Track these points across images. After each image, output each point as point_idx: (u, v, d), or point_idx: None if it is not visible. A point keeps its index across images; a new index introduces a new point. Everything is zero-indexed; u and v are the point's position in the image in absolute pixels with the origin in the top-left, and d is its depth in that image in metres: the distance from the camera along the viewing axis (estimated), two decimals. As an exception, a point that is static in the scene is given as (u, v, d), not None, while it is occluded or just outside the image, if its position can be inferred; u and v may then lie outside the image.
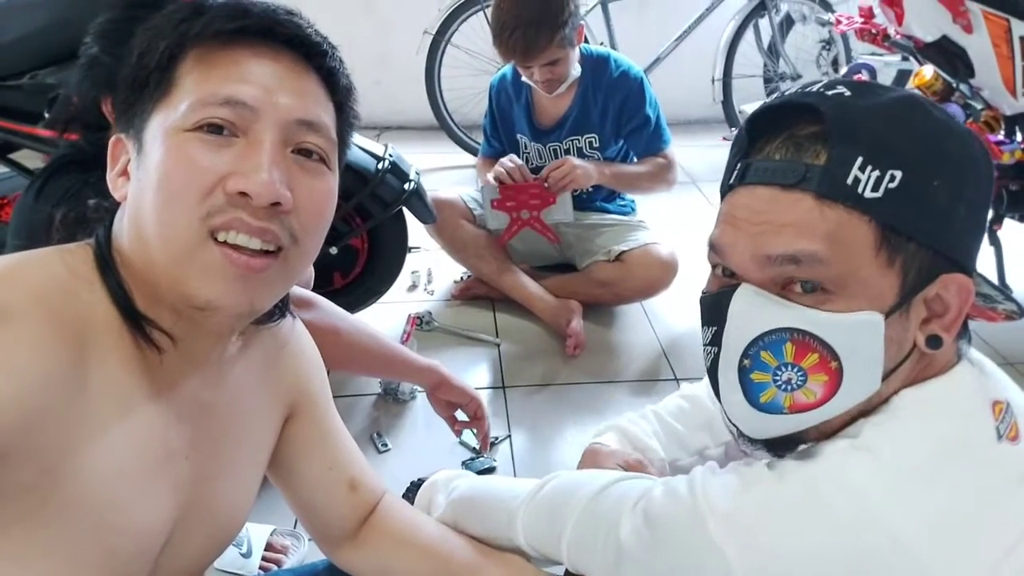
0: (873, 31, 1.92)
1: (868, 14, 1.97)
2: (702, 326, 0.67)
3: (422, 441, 1.68)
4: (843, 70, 2.80)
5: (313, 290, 1.73)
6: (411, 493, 0.98)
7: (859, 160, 0.57)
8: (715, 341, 0.65)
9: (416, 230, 2.03)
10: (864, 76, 2.56)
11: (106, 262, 0.61)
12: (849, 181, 0.57)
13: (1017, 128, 1.91)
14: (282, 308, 0.75)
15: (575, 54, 1.94)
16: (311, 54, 0.63)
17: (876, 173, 0.57)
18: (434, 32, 3.02)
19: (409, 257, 2.12)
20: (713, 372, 0.66)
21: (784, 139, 0.62)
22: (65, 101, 1.12)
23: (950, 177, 0.59)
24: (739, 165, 0.64)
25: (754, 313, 0.61)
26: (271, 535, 1.35)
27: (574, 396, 1.83)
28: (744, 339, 0.62)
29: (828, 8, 3.12)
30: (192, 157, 0.58)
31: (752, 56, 3.34)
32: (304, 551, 1.36)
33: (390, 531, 0.87)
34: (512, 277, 2.11)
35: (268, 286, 0.62)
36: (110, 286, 0.60)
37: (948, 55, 1.79)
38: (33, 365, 0.53)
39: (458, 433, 1.48)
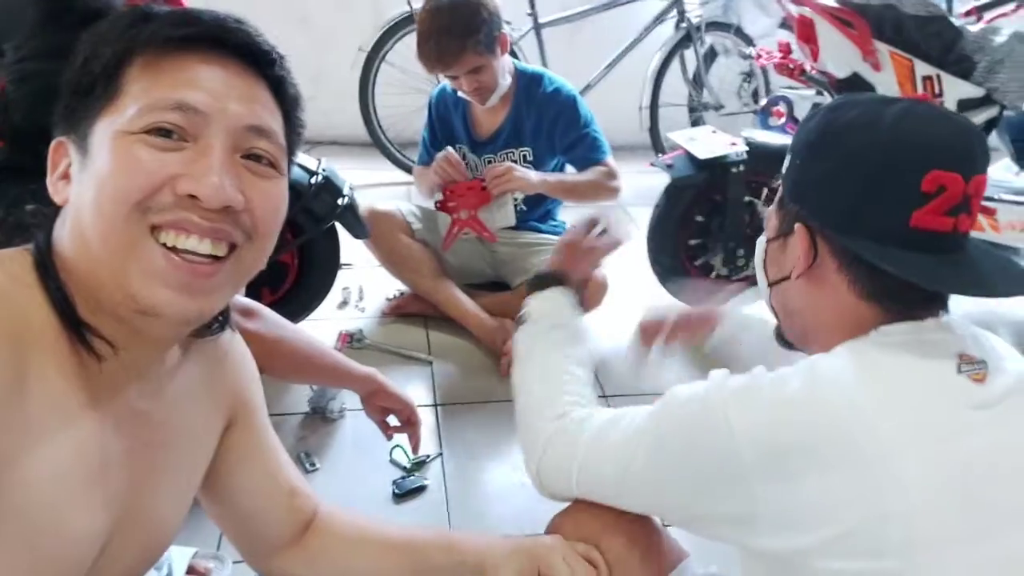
0: (791, 66, 2.03)
1: (786, 49, 2.08)
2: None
3: (350, 460, 1.65)
4: (763, 101, 2.94)
5: None
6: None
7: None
8: None
9: (349, 245, 2.01)
10: (782, 108, 2.70)
11: (46, 267, 0.59)
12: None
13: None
14: (223, 321, 0.74)
15: (500, 64, 1.98)
16: (260, 62, 0.64)
17: (788, 156, 0.85)
18: (368, 49, 3.01)
19: (340, 274, 2.11)
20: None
21: None
22: None
23: (804, 160, 0.82)
24: None
25: None
26: (193, 558, 1.30)
27: (507, 414, 1.83)
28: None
29: (749, 43, 3.28)
30: (138, 157, 0.57)
31: (678, 86, 3.47)
32: (227, 573, 1.31)
33: (342, 532, 0.88)
34: (448, 292, 2.11)
35: (216, 291, 0.62)
36: (50, 292, 0.58)
37: (859, 90, 1.91)
38: None
39: (389, 437, 1.50)
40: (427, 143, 2.23)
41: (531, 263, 2.13)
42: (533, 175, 2.01)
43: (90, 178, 0.58)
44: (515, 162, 2.12)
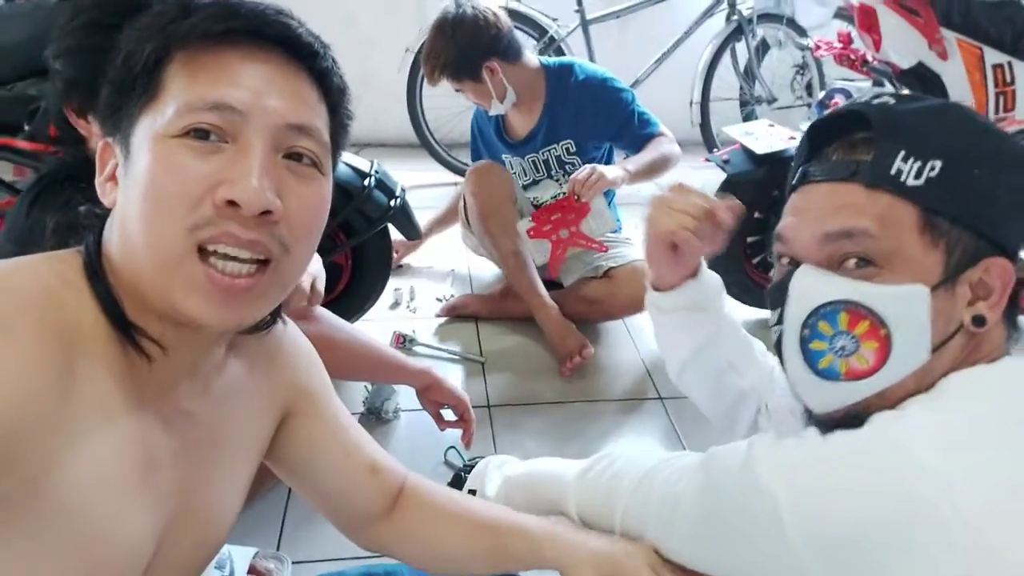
0: (852, 56, 1.97)
1: (847, 40, 2.01)
2: (770, 312, 0.74)
3: (405, 461, 1.60)
4: (818, 94, 2.86)
5: None
6: (458, 481, 1.00)
7: (901, 153, 0.65)
8: (779, 320, 0.72)
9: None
10: (840, 101, 2.62)
11: (95, 269, 0.59)
12: (893, 172, 0.65)
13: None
14: (273, 316, 0.72)
15: (505, 81, 1.99)
16: (302, 55, 0.62)
17: (917, 163, 0.65)
18: (415, 51, 3.02)
19: (392, 275, 2.12)
20: (779, 348, 0.73)
21: (839, 143, 0.71)
22: (46, 114, 1.11)
23: (989, 166, 0.66)
24: (800, 169, 0.74)
25: (812, 288, 0.69)
26: (254, 558, 1.32)
27: (560, 415, 1.83)
28: (803, 312, 0.69)
29: (802, 34, 3.19)
30: (180, 165, 0.56)
31: (729, 79, 3.40)
32: (288, 573, 1.33)
33: (430, 507, 0.87)
34: (529, 271, 2.04)
35: (256, 301, 0.61)
36: (99, 293, 0.58)
37: (924, 81, 1.84)
38: (20, 373, 0.51)
39: (443, 429, 1.52)
40: (477, 154, 2.25)
41: (584, 261, 2.10)
42: (616, 169, 1.95)
43: (134, 184, 0.58)
44: (559, 156, 2.11)
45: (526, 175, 2.16)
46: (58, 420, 0.54)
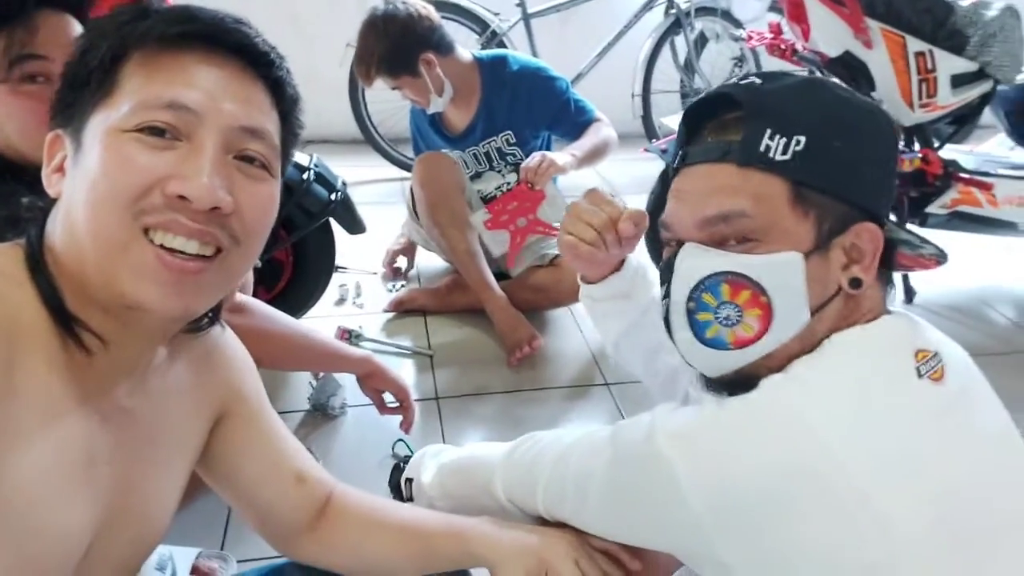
0: (782, 46, 2.02)
1: (777, 30, 2.07)
2: (660, 288, 0.77)
3: (352, 457, 1.65)
4: (755, 85, 2.93)
5: None
6: (396, 472, 1.07)
7: (768, 131, 0.68)
8: (666, 294, 0.75)
9: (341, 250, 2.00)
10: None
11: (36, 261, 0.59)
12: (761, 149, 0.68)
13: (915, 138, 2.04)
14: (212, 317, 0.73)
15: (441, 75, 1.99)
16: (258, 63, 0.63)
17: (783, 140, 0.68)
18: (356, 44, 2.99)
19: (338, 275, 2.10)
20: (667, 321, 0.76)
21: (712, 126, 0.74)
22: None
23: (851, 139, 0.69)
24: (679, 152, 0.76)
25: (695, 263, 0.72)
26: (197, 558, 1.30)
27: (508, 404, 1.84)
28: (688, 285, 0.72)
29: (739, 27, 3.27)
30: (130, 157, 0.57)
31: (670, 72, 3.46)
32: (232, 572, 1.31)
33: (355, 517, 0.88)
34: (477, 261, 2.03)
35: (203, 290, 0.62)
36: (40, 286, 0.58)
37: (851, 69, 1.90)
38: None
39: (382, 413, 1.56)
40: (416, 143, 2.24)
41: (531, 249, 2.11)
42: (564, 155, 1.96)
43: (83, 174, 0.58)
44: (499, 148, 2.12)
45: (468, 168, 2.17)
46: None
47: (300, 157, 1.80)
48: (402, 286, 2.31)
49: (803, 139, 0.68)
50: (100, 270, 0.58)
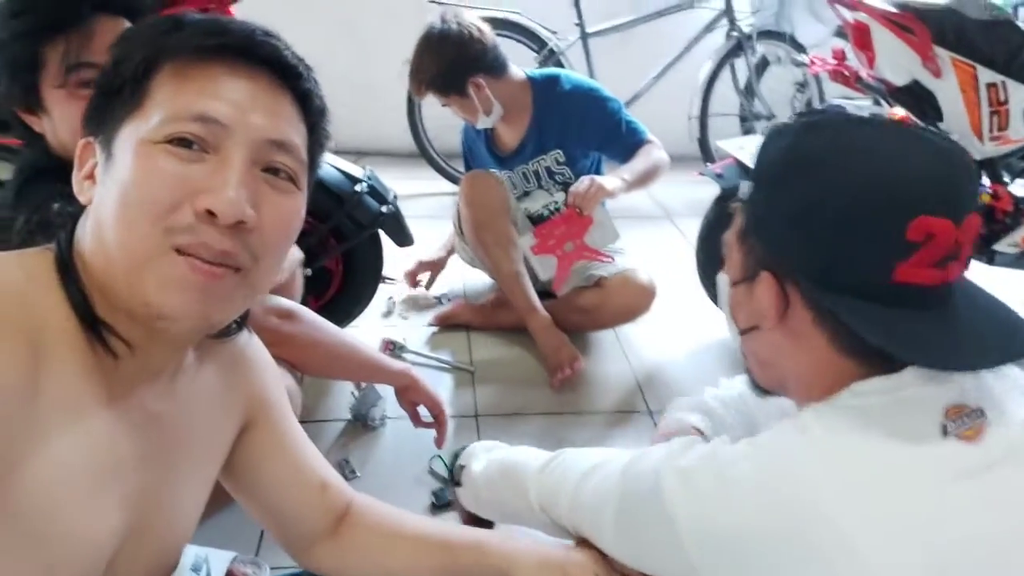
0: (845, 73, 1.96)
1: (840, 56, 2.01)
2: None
3: (390, 469, 1.65)
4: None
5: None
6: (453, 458, 1.14)
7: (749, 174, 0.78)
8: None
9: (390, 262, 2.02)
10: (837, 118, 2.62)
11: (66, 266, 0.60)
12: (743, 187, 0.77)
13: (984, 172, 1.95)
14: (239, 323, 0.75)
15: (477, 103, 1.99)
16: (286, 75, 0.64)
17: (747, 184, 0.76)
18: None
19: (383, 287, 2.12)
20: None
21: None
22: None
23: (770, 192, 0.73)
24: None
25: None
26: (232, 562, 1.31)
27: (547, 426, 1.82)
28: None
29: (802, 52, 3.20)
30: (160, 169, 0.58)
31: (729, 95, 3.41)
32: (265, 579, 1.32)
33: (375, 526, 0.88)
34: (521, 280, 2.03)
35: (227, 300, 0.62)
36: (68, 291, 0.59)
37: (918, 99, 1.84)
38: None
39: (417, 426, 1.56)
40: (467, 160, 2.26)
41: (578, 271, 2.08)
42: (614, 179, 1.94)
43: (112, 183, 0.59)
44: (548, 167, 2.12)
45: (516, 187, 2.16)
46: (24, 417, 0.54)
47: (354, 169, 1.83)
48: (447, 300, 2.32)
49: (751, 184, 0.75)
50: (126, 278, 0.59)
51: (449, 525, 0.91)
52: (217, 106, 0.59)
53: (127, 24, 1.14)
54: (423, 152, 3.25)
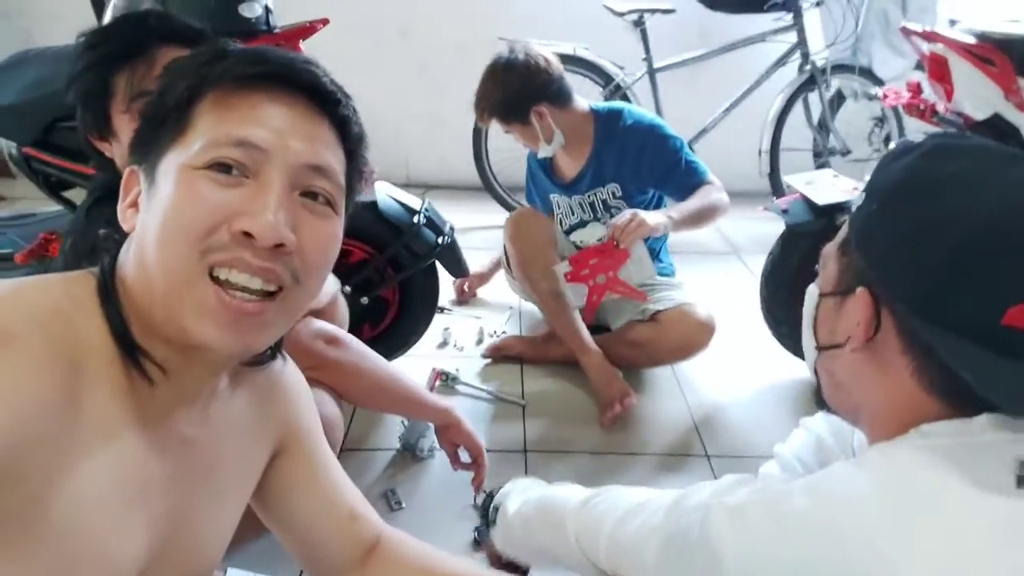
0: (921, 107, 1.88)
1: (916, 89, 1.93)
2: None
3: (436, 502, 1.63)
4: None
5: None
6: (488, 499, 1.11)
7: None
8: None
9: (447, 292, 2.03)
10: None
11: (107, 290, 0.61)
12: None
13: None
14: (273, 351, 0.75)
15: (554, 125, 2.00)
16: (326, 102, 0.65)
17: (861, 194, 0.73)
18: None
19: (440, 316, 2.13)
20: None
21: None
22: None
23: (882, 207, 0.68)
24: None
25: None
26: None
27: (596, 465, 1.77)
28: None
29: (880, 85, 3.09)
30: (201, 194, 0.59)
31: (801, 130, 3.32)
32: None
33: (404, 561, 0.87)
34: (570, 315, 2.02)
35: (264, 328, 0.63)
36: (108, 315, 0.60)
37: (1000, 133, 1.74)
38: (27, 390, 0.53)
39: (455, 468, 1.53)
40: (528, 189, 2.26)
41: (631, 303, 2.05)
42: (659, 216, 1.91)
43: (155, 208, 0.61)
44: (604, 200, 2.10)
45: (573, 215, 2.16)
46: (61, 437, 0.55)
47: (412, 200, 1.86)
48: (503, 333, 2.31)
49: (864, 195, 0.72)
50: (165, 304, 0.60)
51: (482, 568, 0.89)
52: (257, 132, 0.61)
53: None
54: (487, 185, 3.29)
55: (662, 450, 1.84)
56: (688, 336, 1.98)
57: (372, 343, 1.94)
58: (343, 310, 1.54)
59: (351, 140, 0.69)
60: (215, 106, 0.62)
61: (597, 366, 1.96)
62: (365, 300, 1.84)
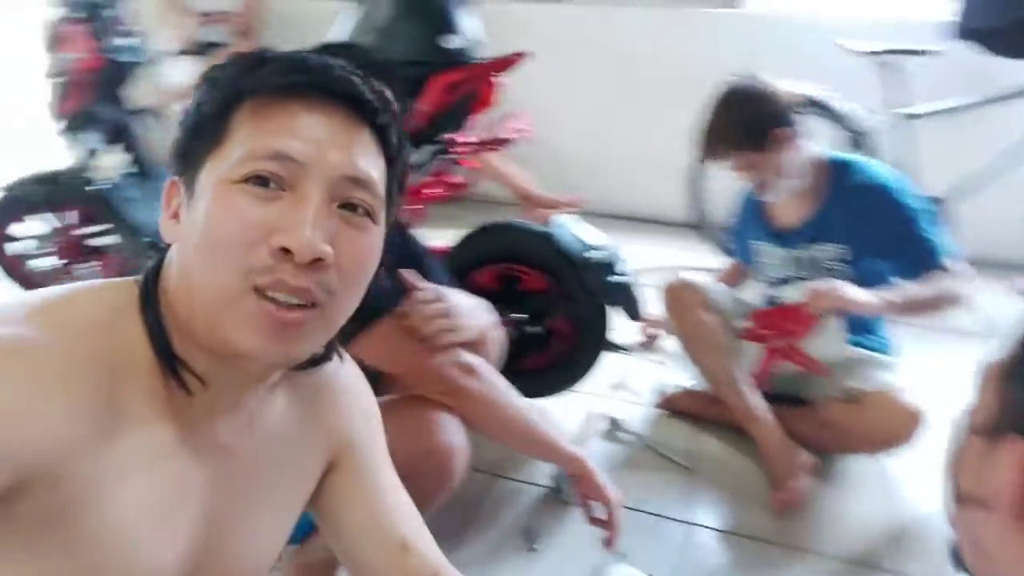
0: None
1: None
2: None
3: (570, 553, 1.53)
4: None
5: (511, 367, 1.75)
6: None
7: None
8: None
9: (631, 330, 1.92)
10: None
11: (148, 300, 0.62)
12: None
13: None
14: (326, 354, 0.73)
15: (791, 159, 1.76)
16: (364, 110, 0.64)
17: None
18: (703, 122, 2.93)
19: (618, 357, 2.03)
20: None
21: None
22: None
23: None
24: None
25: None
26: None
27: (758, 555, 1.56)
28: None
29: None
30: (239, 210, 0.59)
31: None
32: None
33: None
34: (740, 386, 1.85)
35: (305, 338, 0.62)
36: (149, 324, 0.61)
37: None
38: (70, 396, 0.54)
39: (589, 523, 1.40)
40: (731, 231, 2.07)
41: (842, 380, 1.79)
42: (868, 294, 1.66)
43: (194, 223, 0.61)
44: (819, 260, 1.84)
45: (779, 269, 1.92)
46: (98, 444, 0.56)
47: (592, 234, 1.80)
48: (681, 388, 2.14)
49: None
50: (206, 317, 0.60)
51: None
52: (293, 144, 0.60)
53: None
54: (700, 223, 3.10)
55: (842, 554, 1.56)
56: (889, 425, 1.69)
57: (536, 374, 1.91)
58: (496, 344, 1.49)
59: (392, 148, 0.67)
60: (252, 116, 0.61)
61: (771, 439, 1.75)
62: (532, 329, 1.80)
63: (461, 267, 1.84)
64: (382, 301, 1.21)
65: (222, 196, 0.59)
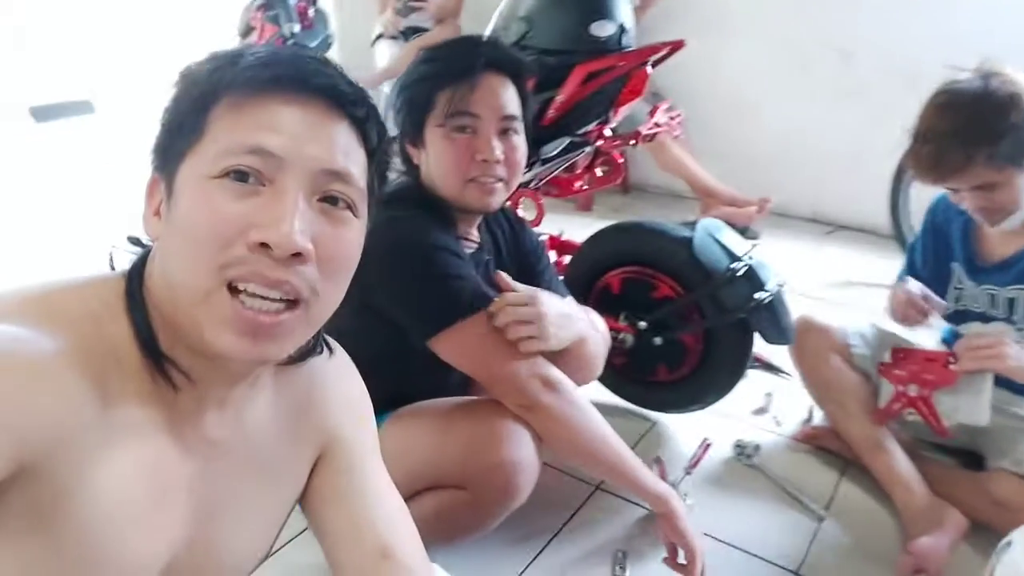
0: None
1: None
2: None
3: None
4: None
5: (634, 376, 1.65)
6: None
7: None
8: None
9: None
10: None
11: (133, 297, 0.63)
12: None
13: None
14: (312, 347, 0.73)
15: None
16: (343, 103, 0.62)
17: None
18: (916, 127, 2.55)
19: (771, 379, 1.88)
20: None
21: None
22: None
23: None
24: None
25: None
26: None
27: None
28: None
29: None
30: (216, 206, 0.59)
31: None
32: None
33: None
34: (876, 442, 1.63)
35: (282, 338, 0.62)
36: (135, 321, 0.62)
37: None
38: (60, 389, 0.56)
39: (670, 566, 1.32)
40: (915, 252, 1.75)
41: (1014, 446, 1.50)
42: None
43: (174, 220, 0.61)
44: (1019, 303, 1.52)
45: (975, 303, 1.61)
46: (87, 437, 0.58)
47: (739, 246, 1.63)
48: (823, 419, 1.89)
49: None
50: (186, 314, 0.60)
51: None
52: (271, 138, 0.59)
53: (509, 84, 1.22)
54: (898, 235, 2.74)
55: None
56: None
57: (667, 388, 1.79)
58: (593, 357, 1.40)
59: (371, 140, 0.66)
60: (229, 111, 0.60)
61: (904, 500, 1.53)
62: (658, 340, 1.68)
63: (587, 267, 1.77)
64: (469, 300, 1.19)
65: (200, 192, 0.60)
